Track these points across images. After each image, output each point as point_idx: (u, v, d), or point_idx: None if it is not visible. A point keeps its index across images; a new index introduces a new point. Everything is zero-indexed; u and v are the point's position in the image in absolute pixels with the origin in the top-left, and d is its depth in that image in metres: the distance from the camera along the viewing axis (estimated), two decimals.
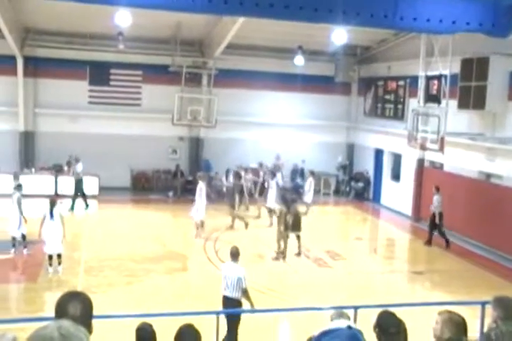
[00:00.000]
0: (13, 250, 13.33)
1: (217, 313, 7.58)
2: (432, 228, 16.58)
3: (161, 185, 22.64)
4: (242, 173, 19.27)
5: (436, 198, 16.58)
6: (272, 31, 19.83)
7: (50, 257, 12.10)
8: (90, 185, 20.99)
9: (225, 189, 20.58)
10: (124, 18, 16.31)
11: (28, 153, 22.17)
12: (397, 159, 21.87)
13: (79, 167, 19.25)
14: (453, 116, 15.95)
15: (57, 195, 17.29)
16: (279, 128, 23.93)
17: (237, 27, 18.62)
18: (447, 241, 16.27)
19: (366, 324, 5.60)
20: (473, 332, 5.80)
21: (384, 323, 4.32)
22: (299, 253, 14.57)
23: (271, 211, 17.60)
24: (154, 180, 22.91)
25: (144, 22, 18.22)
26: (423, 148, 17.17)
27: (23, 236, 13.37)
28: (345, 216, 21.47)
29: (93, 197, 20.77)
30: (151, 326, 5.54)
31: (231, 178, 21.38)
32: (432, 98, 17.10)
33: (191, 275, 12.96)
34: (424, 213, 19.39)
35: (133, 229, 16.55)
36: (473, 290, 11.85)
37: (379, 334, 4.30)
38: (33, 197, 19.20)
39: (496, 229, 15.42)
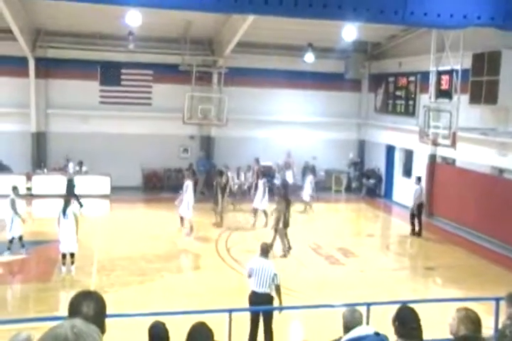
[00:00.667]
0: (7, 252, 13.22)
1: (230, 311, 7.59)
2: (413, 218, 17.25)
3: (172, 184, 22.67)
4: (229, 173, 19.02)
5: (416, 189, 17.30)
6: (281, 29, 19.80)
7: (64, 256, 12.17)
8: (102, 185, 21.13)
9: (236, 187, 20.60)
10: (134, 18, 16.33)
11: (40, 153, 22.33)
12: (408, 155, 21.76)
13: (70, 167, 19.25)
14: (464, 111, 15.83)
15: (67, 195, 17.35)
16: (289, 126, 23.90)
17: (246, 25, 18.60)
18: (419, 231, 17.08)
19: (379, 320, 5.59)
20: (487, 328, 5.78)
21: (405, 317, 4.32)
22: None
23: (256, 211, 17.31)
24: (165, 179, 22.96)
25: (154, 21, 18.25)
26: (435, 143, 17.06)
27: (20, 238, 13.33)
28: (356, 213, 21.41)
29: (105, 196, 20.90)
30: (164, 324, 5.56)
31: (242, 177, 21.45)
32: (444, 93, 16.98)
33: (203, 273, 12.99)
34: (436, 209, 19.29)
35: (144, 228, 16.61)
36: (487, 286, 11.77)
37: (398, 328, 4.30)
38: (46, 198, 19.43)
39: (509, 224, 15.29)
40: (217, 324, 8.12)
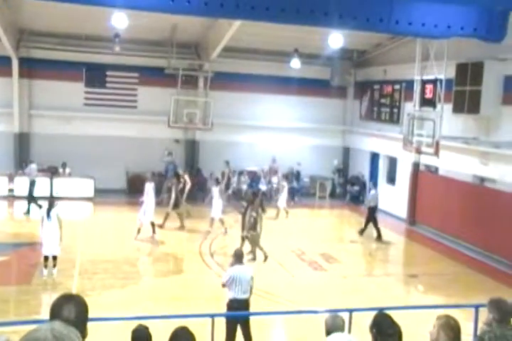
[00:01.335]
0: None
1: (212, 316, 7.58)
2: (367, 221, 17.79)
3: (157, 188, 22.50)
4: (186, 176, 18.79)
5: (372, 193, 18.07)
6: (268, 34, 19.91)
7: (46, 259, 12.05)
8: (85, 187, 20.98)
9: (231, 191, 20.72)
10: (120, 20, 16.34)
11: (23, 154, 22.11)
12: (392, 163, 21.93)
13: (32, 168, 19.02)
14: (448, 120, 16.01)
15: (52, 197, 17.23)
16: (275, 132, 23.97)
17: (233, 30, 18.65)
18: (379, 235, 17.50)
19: (361, 327, 5.62)
20: (468, 335, 5.84)
21: (381, 324, 4.35)
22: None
23: (213, 220, 16.66)
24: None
25: (140, 24, 18.23)
26: (418, 151, 17.25)
27: None
28: (340, 219, 21.50)
29: (88, 199, 20.75)
30: (146, 328, 5.55)
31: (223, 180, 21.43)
32: (427, 102, 17.17)
33: (186, 277, 12.94)
34: (419, 217, 19.45)
35: (128, 231, 16.50)
36: (468, 294, 11.89)
37: (376, 335, 4.33)
38: (44, 205, 19.21)
39: (490, 232, 15.48)
40: (199, 328, 8.11)
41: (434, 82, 16.60)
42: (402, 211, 20.24)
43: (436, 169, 19.06)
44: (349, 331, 6.90)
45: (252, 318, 9.30)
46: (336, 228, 20.38)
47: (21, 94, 21.95)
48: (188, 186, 18.53)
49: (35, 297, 11.10)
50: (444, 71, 15.71)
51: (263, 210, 14.82)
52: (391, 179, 22.03)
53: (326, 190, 24.29)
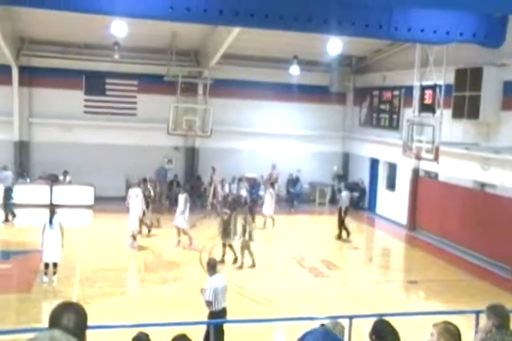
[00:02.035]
0: None
1: (211, 324, 7.56)
2: (340, 223, 18.16)
3: (156, 195, 22.53)
4: (148, 184, 18.40)
5: (344, 194, 18.60)
6: (267, 41, 19.96)
7: (47, 266, 12.05)
8: (86, 195, 20.96)
9: (220, 198, 20.62)
10: (119, 28, 16.37)
11: (23, 162, 22.12)
12: (392, 168, 21.93)
13: (7, 176, 18.86)
14: (447, 125, 16.01)
15: (53, 205, 17.18)
16: (274, 138, 23.98)
17: (232, 37, 18.70)
18: (348, 233, 18.02)
19: (361, 333, 5.59)
20: None
21: (381, 331, 4.33)
22: (222, 261, 14.20)
23: (179, 230, 16.12)
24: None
25: (140, 32, 18.29)
26: (418, 157, 17.22)
27: None
28: None
29: (88, 206, 20.72)
30: (147, 335, 5.53)
31: (226, 188, 21.46)
32: (427, 108, 17.17)
33: (186, 284, 12.89)
34: (419, 222, 19.41)
35: (128, 239, 16.46)
36: (469, 300, 11.84)
37: None
38: (29, 207, 19.22)
39: (491, 238, 15.44)
40: (199, 336, 8.08)
41: (433, 87, 16.62)
42: (402, 217, 20.21)
43: (436, 175, 19.05)
44: (349, 338, 6.87)
45: (252, 325, 9.28)
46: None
47: (21, 102, 21.98)
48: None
49: (36, 305, 11.06)
50: (443, 77, 15.73)
51: (252, 217, 14.79)
52: (391, 185, 22.02)
53: (325, 196, 24.27)
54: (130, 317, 9.74)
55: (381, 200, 22.61)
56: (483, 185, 16.70)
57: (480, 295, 12.34)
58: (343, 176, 24.56)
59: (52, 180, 21.09)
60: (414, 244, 18.27)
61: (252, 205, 17.94)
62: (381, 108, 22.41)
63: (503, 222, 15.06)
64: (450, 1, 10.59)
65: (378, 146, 22.27)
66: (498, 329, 4.75)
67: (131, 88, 22.89)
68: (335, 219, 18.58)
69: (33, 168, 22.11)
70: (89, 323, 2.94)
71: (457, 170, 17.20)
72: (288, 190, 23.30)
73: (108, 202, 20.65)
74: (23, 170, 21.79)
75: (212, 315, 8.59)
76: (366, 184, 23.50)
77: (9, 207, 18.33)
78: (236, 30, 17.89)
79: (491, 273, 14.78)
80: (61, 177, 21.23)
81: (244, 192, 20.53)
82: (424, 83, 17.04)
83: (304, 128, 24.07)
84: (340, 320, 5.68)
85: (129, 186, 17.22)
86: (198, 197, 21.61)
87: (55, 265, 12.09)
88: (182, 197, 16.22)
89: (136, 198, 16.25)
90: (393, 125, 21.35)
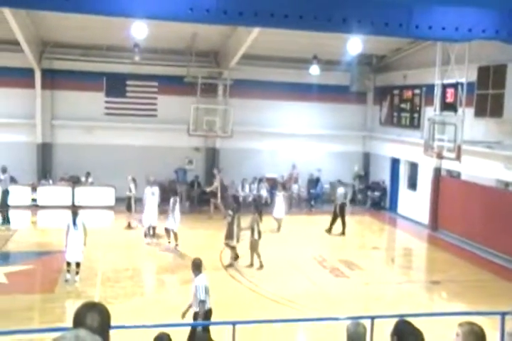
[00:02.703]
0: None
1: (234, 323, 7.55)
2: (334, 218, 18.59)
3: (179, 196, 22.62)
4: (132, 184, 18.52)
5: (339, 191, 18.98)
6: (286, 41, 19.92)
7: (69, 264, 12.26)
8: (107, 196, 21.14)
9: (241, 199, 20.65)
10: (140, 30, 16.44)
11: (45, 164, 22.39)
12: (413, 168, 21.74)
13: (5, 178, 18.61)
14: (470, 124, 15.83)
15: (75, 206, 17.38)
16: (295, 138, 23.94)
17: (252, 37, 18.71)
18: (343, 230, 18.48)
19: (383, 334, 5.54)
20: None
21: (403, 331, 4.27)
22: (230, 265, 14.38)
23: (168, 231, 15.88)
24: (170, 190, 22.88)
25: (160, 33, 18.38)
26: (440, 156, 17.04)
27: None
28: (361, 225, 21.32)
29: (109, 207, 20.90)
30: (168, 335, 5.55)
31: (247, 188, 21.50)
32: (449, 106, 17.00)
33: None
34: (441, 222, 19.21)
35: (148, 238, 16.59)
36: (492, 300, 11.67)
37: None
38: (51, 208, 19.45)
39: None
40: (219, 337, 8.10)
41: (455, 85, 16.44)
42: (424, 217, 20.02)
43: (459, 174, 18.83)
44: (371, 338, 6.82)
45: (273, 326, 9.27)
46: (357, 234, 20.18)
47: (44, 105, 22.26)
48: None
49: (59, 305, 11.18)
50: (465, 74, 15.54)
51: (260, 217, 14.75)
52: (412, 184, 21.83)
53: (346, 196, 24.11)
54: (151, 318, 9.80)
55: (402, 200, 22.42)
56: (507, 184, 16.46)
57: (504, 295, 12.16)
58: (363, 176, 24.43)
59: (74, 181, 21.33)
60: (436, 243, 18.08)
61: (259, 204, 17.86)
62: (402, 107, 22.23)
63: None
64: None
65: (399, 146, 22.10)
66: None
67: (151, 89, 23.04)
68: (356, 219, 18.51)
69: (55, 170, 22.37)
70: (112, 323, 2.96)
71: (480, 169, 16.98)
72: (308, 190, 23.22)
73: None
74: (45, 171, 22.07)
75: (205, 313, 8.57)
76: (387, 184, 23.34)
77: (6, 210, 17.98)
78: (256, 31, 17.91)
79: None
80: (83, 179, 21.48)
81: (264, 193, 20.52)
82: (446, 81, 16.86)
83: (324, 128, 23.99)
84: (362, 321, 5.64)
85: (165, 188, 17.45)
86: (235, 200, 21.49)
87: (77, 265, 12.27)
88: (173, 201, 16.01)
89: (152, 196, 16.43)
90: (414, 124, 21.17)
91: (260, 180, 22.33)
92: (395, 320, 4.45)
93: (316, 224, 19.96)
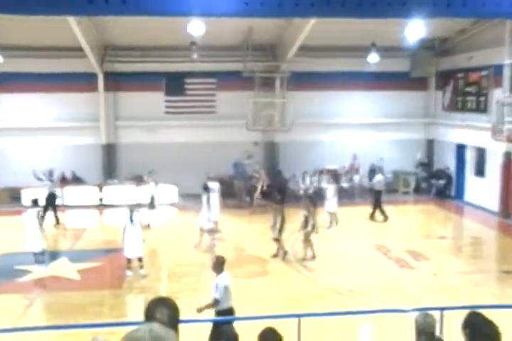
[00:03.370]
0: (36, 266, 13.33)
1: (299, 316, 7.53)
2: (374, 205, 18.60)
3: (237, 191, 22.79)
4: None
5: (377, 178, 18.79)
6: (343, 30, 19.56)
7: (129, 261, 12.56)
8: (170, 193, 21.51)
9: (302, 192, 20.53)
10: (196, 28, 16.57)
11: (110, 164, 23.06)
12: (480, 153, 20.96)
13: (53, 179, 18.90)
14: None
15: (137, 204, 17.72)
16: (355, 128, 23.60)
17: (308, 28, 18.52)
18: (385, 217, 18.40)
19: (453, 326, 5.36)
20: None
21: (476, 323, 4.10)
22: (276, 255, 14.29)
23: (202, 231, 15.57)
24: (231, 185, 23.05)
25: (216, 30, 18.46)
26: (510, 140, 16.34)
27: (41, 253, 13.57)
28: (426, 214, 20.77)
29: (173, 204, 21.28)
30: (274, 331, 5.38)
31: (307, 181, 21.37)
32: None
33: (272, 279, 12.96)
34: None
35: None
36: None
37: (469, 335, 4.09)
38: (117, 207, 20.01)
39: None
40: (289, 331, 8.07)
41: None
42: (494, 204, 19.27)
43: None
44: (440, 331, 6.62)
45: (340, 318, 9.16)
46: (422, 224, 19.70)
47: (107, 107, 22.90)
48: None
49: (127, 300, 11.51)
50: None
51: (315, 208, 14.53)
52: (480, 171, 21.06)
53: (409, 185, 23.59)
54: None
55: (470, 187, 21.68)
56: None
57: None
58: (427, 164, 23.80)
59: (138, 180, 21.81)
60: (508, 231, 17.39)
61: (313, 196, 17.61)
62: (467, 90, 21.45)
63: None
64: None
65: (465, 131, 21.36)
66: None
67: (209, 86, 23.26)
68: (420, 208, 18.06)
69: (120, 169, 23.00)
70: (181, 317, 3.01)
71: None
72: (370, 179, 22.83)
73: (191, 199, 21.09)
74: (110, 171, 22.72)
75: (220, 314, 8.36)
76: (452, 171, 22.63)
77: (55, 211, 18.32)
78: (312, 21, 17.70)
79: None
80: (145, 177, 21.90)
81: (325, 185, 20.30)
82: None
83: (384, 117, 23.50)
84: (431, 312, 5.48)
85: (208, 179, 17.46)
86: (280, 193, 21.54)
87: (139, 259, 12.57)
88: (205, 198, 15.74)
89: (212, 193, 16.52)
90: (480, 108, 20.38)
91: (321, 172, 22.15)
92: (465, 312, 4.28)
93: (379, 214, 19.60)
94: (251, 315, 8.63)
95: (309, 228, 13.97)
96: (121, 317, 10.33)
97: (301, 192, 20.55)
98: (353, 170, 22.63)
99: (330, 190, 18.05)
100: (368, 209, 19.03)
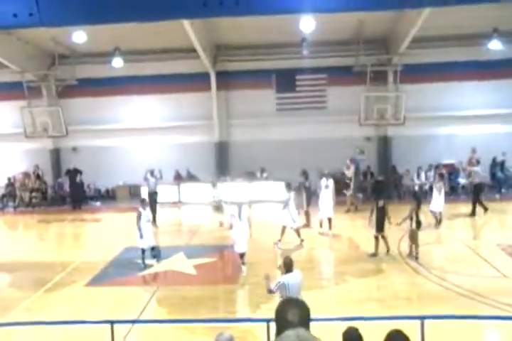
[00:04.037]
0: (141, 261, 13.57)
1: (423, 318, 7.19)
2: (474, 199, 17.70)
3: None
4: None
5: (475, 170, 18.04)
6: (460, 17, 18.63)
7: (242, 256, 12.74)
8: (280, 191, 21.55)
9: (417, 187, 19.84)
10: (307, 25, 16.48)
11: (223, 162, 23.59)
12: None
13: (151, 179, 19.09)
14: None
15: (249, 201, 17.95)
16: (473, 121, 22.40)
17: (422, 19, 17.78)
18: (485, 209, 17.57)
19: None
20: None
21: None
22: (374, 254, 13.79)
23: (284, 230, 15.01)
24: (341, 182, 22.69)
25: (326, 25, 18.29)
26: None
27: (152, 248, 13.72)
28: None
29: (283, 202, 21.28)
30: (357, 330, 5.40)
31: (422, 177, 20.58)
32: None
33: (387, 278, 12.55)
34: None
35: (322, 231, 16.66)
36: None
37: None
38: (231, 204, 20.38)
39: None
40: (412, 333, 7.74)
41: None
42: None
43: None
44: None
45: (458, 322, 8.63)
46: None
47: (219, 105, 23.46)
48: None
49: (242, 295, 11.64)
50: None
51: (419, 207, 13.81)
52: None
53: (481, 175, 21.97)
54: (334, 311, 9.74)
55: None
56: None
57: None
58: None
59: (250, 177, 22.13)
60: None
61: (418, 193, 16.77)
62: None
63: None
64: None
65: None
66: None
67: (320, 82, 23.11)
68: None
69: (232, 167, 23.45)
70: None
71: None
72: (493, 174, 21.55)
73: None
74: (223, 169, 23.24)
75: None
76: None
77: (153, 211, 18.43)
78: (427, 11, 16.97)
79: None
80: (258, 174, 22.20)
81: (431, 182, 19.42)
82: None
83: (505, 108, 22.05)
84: None
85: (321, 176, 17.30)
86: (394, 188, 21.03)
87: (241, 256, 12.72)
88: (290, 195, 15.16)
89: (326, 189, 16.41)
90: None
91: (436, 167, 21.23)
92: None
93: (503, 211, 18.45)
94: (370, 316, 8.38)
95: (414, 226, 13.43)
96: (237, 312, 10.47)
97: (416, 188, 19.86)
98: (472, 164, 21.44)
99: (437, 188, 16.81)
100: (490, 205, 17.97)
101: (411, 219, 13.49)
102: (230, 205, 15.83)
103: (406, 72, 21.86)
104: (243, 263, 12.84)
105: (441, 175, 18.05)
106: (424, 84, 22.24)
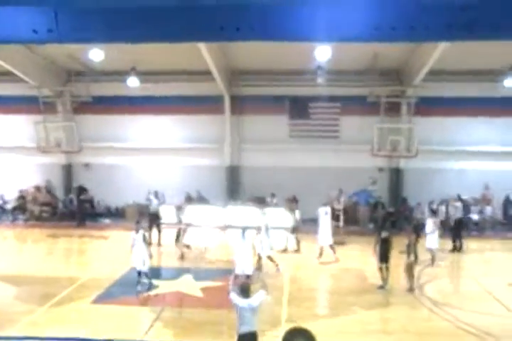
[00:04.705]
0: (139, 287, 13.34)
1: None
2: (454, 235, 17.78)
3: (360, 217, 22.32)
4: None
5: (458, 206, 18.58)
6: (475, 53, 18.73)
7: (237, 277, 12.55)
8: (289, 217, 21.46)
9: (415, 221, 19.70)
10: (323, 53, 16.66)
11: (233, 186, 23.57)
12: None
13: (153, 200, 19.40)
14: None
15: (259, 227, 17.83)
16: (486, 156, 22.36)
17: (438, 52, 17.93)
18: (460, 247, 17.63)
19: None
20: None
21: None
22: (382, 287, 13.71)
23: (259, 259, 14.97)
24: (353, 212, 22.64)
25: (341, 55, 18.46)
26: None
27: (143, 273, 13.45)
28: None
29: (294, 229, 21.17)
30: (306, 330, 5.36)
31: (426, 210, 20.44)
32: None
33: (396, 311, 12.37)
34: None
35: (332, 261, 16.51)
36: None
37: None
38: (239, 228, 20.28)
39: None
40: None
41: None
42: None
43: None
44: None
45: None
46: None
47: (232, 129, 23.56)
48: None
49: None
50: None
51: (417, 238, 13.74)
52: None
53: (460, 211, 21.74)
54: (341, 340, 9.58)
55: None
56: None
57: None
58: None
59: (260, 202, 22.05)
60: None
61: (417, 226, 16.64)
62: None
63: None
64: None
65: None
66: None
67: (334, 110, 23.19)
68: None
69: (242, 191, 23.42)
70: None
71: None
72: (504, 212, 21.41)
73: (311, 223, 20.90)
74: (233, 192, 23.21)
75: (238, 338, 8.29)
76: None
77: (158, 230, 18.87)
78: (443, 45, 17.12)
79: None
80: (268, 200, 22.13)
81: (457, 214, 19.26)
82: None
83: None
84: None
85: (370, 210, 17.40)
86: (405, 220, 20.88)
87: (247, 277, 12.55)
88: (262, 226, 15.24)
89: (325, 216, 16.43)
90: None
91: (448, 202, 21.10)
92: None
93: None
94: None
95: (411, 258, 13.31)
96: None
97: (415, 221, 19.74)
98: (486, 200, 21.34)
99: (429, 224, 16.09)
100: (498, 242, 17.79)
101: (408, 252, 13.42)
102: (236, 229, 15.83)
103: (420, 104, 21.93)
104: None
105: (434, 212, 17.43)
106: (437, 118, 22.26)
